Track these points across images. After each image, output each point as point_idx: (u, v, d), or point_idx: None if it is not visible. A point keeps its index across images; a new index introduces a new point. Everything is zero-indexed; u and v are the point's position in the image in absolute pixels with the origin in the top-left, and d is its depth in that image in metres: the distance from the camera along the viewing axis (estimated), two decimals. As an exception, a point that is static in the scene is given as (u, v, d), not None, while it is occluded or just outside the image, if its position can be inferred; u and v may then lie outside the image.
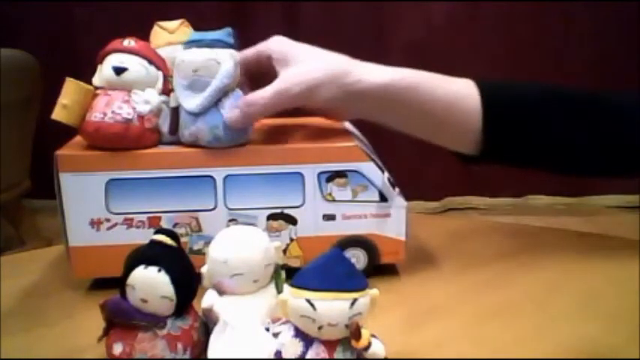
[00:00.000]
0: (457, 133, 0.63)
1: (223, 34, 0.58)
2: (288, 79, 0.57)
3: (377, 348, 0.42)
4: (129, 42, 0.59)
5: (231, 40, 0.58)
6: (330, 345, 0.42)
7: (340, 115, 0.65)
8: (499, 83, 0.64)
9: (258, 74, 0.61)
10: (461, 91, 0.62)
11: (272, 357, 0.43)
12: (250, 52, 0.61)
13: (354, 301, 0.41)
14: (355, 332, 0.41)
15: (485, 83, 0.63)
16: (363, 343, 0.41)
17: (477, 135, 0.62)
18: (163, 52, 0.62)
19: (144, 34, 0.65)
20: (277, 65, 0.59)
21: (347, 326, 0.41)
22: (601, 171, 0.67)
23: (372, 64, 0.61)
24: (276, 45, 0.60)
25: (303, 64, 0.58)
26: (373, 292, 0.42)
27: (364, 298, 0.42)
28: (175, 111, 0.58)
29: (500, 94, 0.63)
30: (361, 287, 0.42)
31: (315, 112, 0.64)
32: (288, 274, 0.51)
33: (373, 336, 0.42)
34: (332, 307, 0.40)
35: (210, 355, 0.46)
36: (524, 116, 0.62)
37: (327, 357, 0.42)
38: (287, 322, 0.44)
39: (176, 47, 0.64)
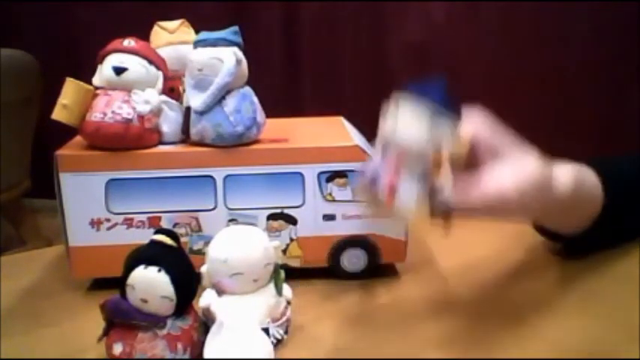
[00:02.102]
0: (575, 222, 0.61)
1: (228, 32, 0.58)
2: (505, 181, 0.49)
3: (447, 189, 0.45)
4: (129, 42, 0.59)
5: (235, 38, 0.58)
6: (403, 158, 0.45)
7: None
8: (616, 172, 0.62)
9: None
10: (593, 186, 0.60)
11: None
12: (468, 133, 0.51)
13: (433, 118, 0.44)
14: (435, 161, 0.45)
15: (607, 179, 0.61)
16: (437, 173, 0.45)
17: (586, 224, 0.61)
18: (163, 52, 0.62)
19: (144, 34, 0.65)
20: (481, 151, 0.51)
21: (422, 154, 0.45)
22: None
23: (548, 159, 0.55)
24: (483, 129, 0.52)
25: (515, 161, 0.51)
26: (462, 132, 0.46)
27: (444, 125, 0.45)
28: (187, 111, 0.58)
29: (619, 185, 0.61)
30: (439, 106, 0.45)
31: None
32: (288, 275, 0.52)
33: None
34: (409, 119, 0.45)
35: (206, 355, 0.46)
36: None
37: (396, 169, 0.45)
38: None
39: (176, 47, 0.65)
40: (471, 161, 0.50)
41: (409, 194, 0.46)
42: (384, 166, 0.46)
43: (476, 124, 0.51)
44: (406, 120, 0.45)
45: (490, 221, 0.52)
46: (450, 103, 0.46)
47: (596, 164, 0.61)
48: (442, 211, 0.46)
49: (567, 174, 0.55)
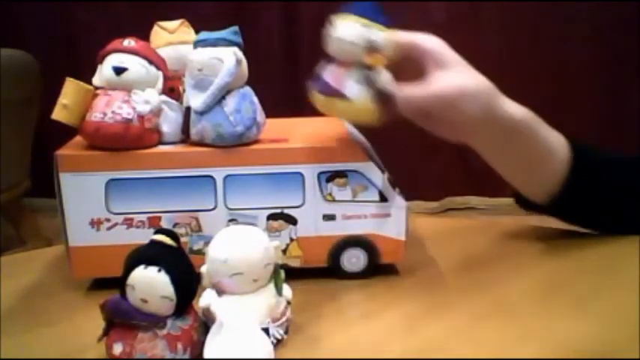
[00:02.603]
0: (539, 181, 0.63)
1: (228, 32, 0.58)
2: (448, 83, 0.55)
3: (386, 79, 0.55)
4: (129, 42, 0.59)
5: (235, 38, 0.58)
6: (346, 65, 0.55)
7: (448, 133, 0.61)
8: (589, 148, 0.64)
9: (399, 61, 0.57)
10: (557, 143, 0.62)
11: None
12: (405, 38, 0.58)
13: (365, 27, 0.54)
14: (370, 50, 0.54)
15: (577, 144, 0.63)
16: (373, 60, 0.54)
17: (554, 188, 0.63)
18: (163, 52, 0.63)
19: (144, 34, 0.65)
20: (430, 64, 0.56)
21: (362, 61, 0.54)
22: None
23: None
24: (434, 44, 0.58)
25: (460, 71, 0.56)
26: (389, 35, 0.55)
27: (375, 32, 0.55)
28: (187, 111, 0.58)
29: (589, 159, 0.63)
30: (369, 18, 0.54)
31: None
32: (288, 274, 0.52)
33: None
34: (343, 31, 0.55)
35: (206, 355, 0.46)
36: (606, 185, 0.64)
37: (341, 74, 0.55)
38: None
39: (176, 47, 0.65)
40: (418, 73, 0.56)
41: (355, 92, 0.55)
42: (330, 74, 0.56)
43: (427, 36, 0.58)
44: (341, 32, 0.55)
45: (436, 129, 0.60)
46: (379, 15, 0.56)
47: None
48: (383, 98, 0.55)
49: (520, 106, 0.58)
